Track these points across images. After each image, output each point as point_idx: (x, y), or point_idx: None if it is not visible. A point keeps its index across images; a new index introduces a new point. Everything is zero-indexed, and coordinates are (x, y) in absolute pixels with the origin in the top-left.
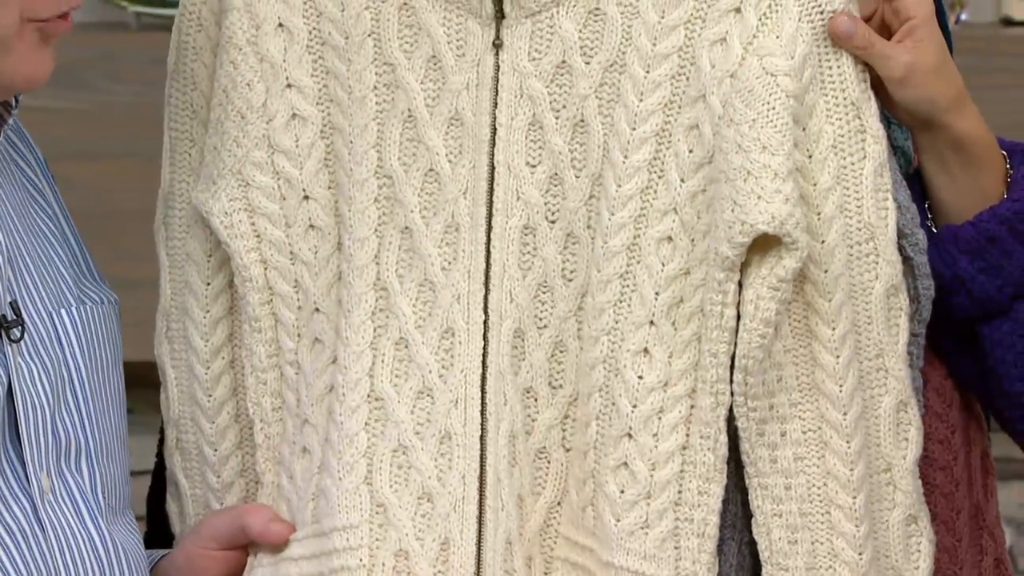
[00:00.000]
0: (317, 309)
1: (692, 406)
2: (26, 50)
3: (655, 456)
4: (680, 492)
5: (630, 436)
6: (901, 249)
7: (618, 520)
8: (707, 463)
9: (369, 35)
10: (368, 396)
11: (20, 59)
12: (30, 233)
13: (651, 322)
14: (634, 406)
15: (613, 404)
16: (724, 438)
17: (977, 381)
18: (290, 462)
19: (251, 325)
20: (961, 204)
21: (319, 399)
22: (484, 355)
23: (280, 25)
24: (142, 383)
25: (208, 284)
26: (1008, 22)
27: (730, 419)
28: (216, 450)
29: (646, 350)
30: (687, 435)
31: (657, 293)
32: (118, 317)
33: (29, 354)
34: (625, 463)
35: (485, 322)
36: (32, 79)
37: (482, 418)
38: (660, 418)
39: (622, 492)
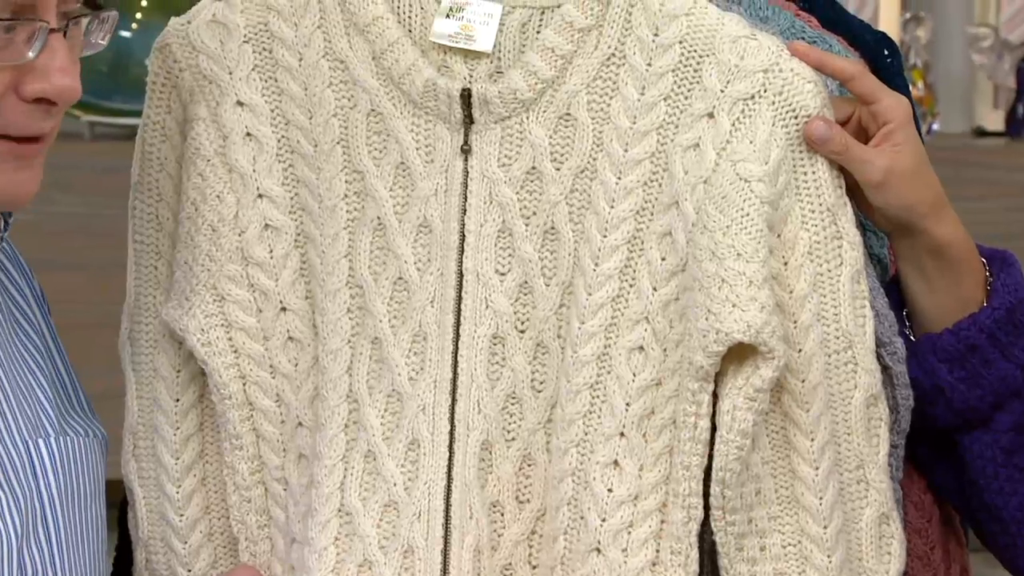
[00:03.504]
0: (300, 423)
1: (663, 520)
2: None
3: (624, 572)
4: None
5: (599, 551)
6: (879, 358)
7: None
8: None
9: (338, 142)
10: (338, 511)
11: None
12: (11, 361)
13: (621, 433)
14: (603, 520)
15: (582, 518)
16: (695, 554)
17: (956, 492)
18: None
19: (232, 443)
20: (940, 311)
21: (304, 516)
22: (449, 467)
23: (248, 135)
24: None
25: (177, 400)
26: (980, 133)
27: (705, 533)
28: (190, 570)
29: (616, 462)
30: (657, 550)
31: (628, 404)
32: (103, 452)
33: None
34: None
35: (451, 433)
36: (12, 197)
37: (445, 531)
38: (630, 532)
39: None
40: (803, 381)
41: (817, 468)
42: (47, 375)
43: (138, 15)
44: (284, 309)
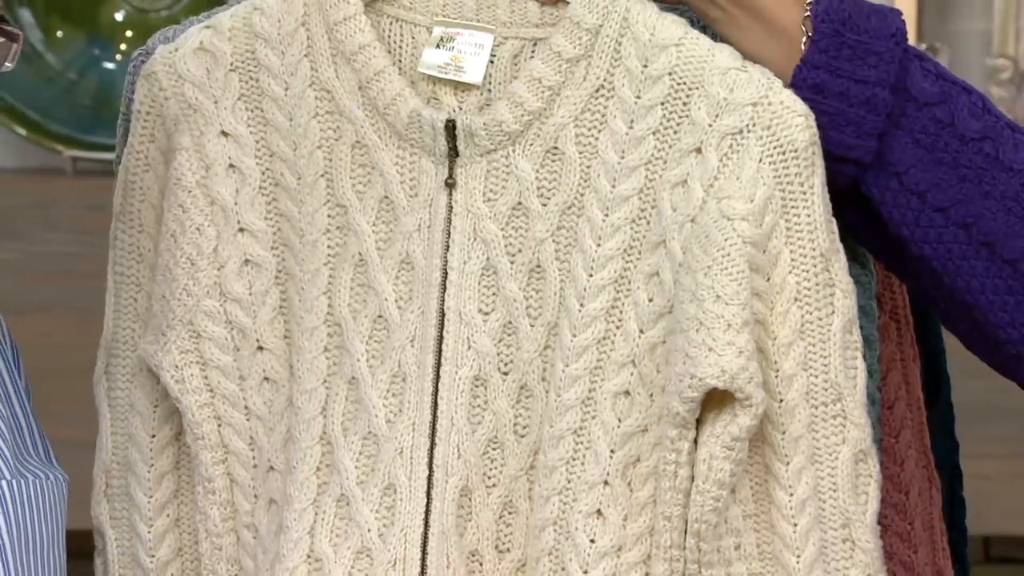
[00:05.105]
0: (272, 467)
1: (647, 573)
2: None
3: None
4: None
5: None
6: None
7: None
8: None
9: (322, 175)
10: (307, 557)
11: None
12: None
13: (605, 482)
14: (585, 572)
15: (563, 569)
16: None
17: (888, 254)
18: None
19: (204, 486)
20: (770, 63)
21: (272, 564)
22: (427, 513)
23: (231, 166)
24: (72, 555)
25: (153, 436)
26: None
27: None
28: None
29: (599, 512)
30: None
31: (612, 451)
32: (63, 496)
33: None
34: None
35: (429, 478)
36: None
37: None
38: None
39: None
40: (783, 433)
41: (795, 524)
42: (4, 418)
43: (122, 46)
44: (261, 348)
